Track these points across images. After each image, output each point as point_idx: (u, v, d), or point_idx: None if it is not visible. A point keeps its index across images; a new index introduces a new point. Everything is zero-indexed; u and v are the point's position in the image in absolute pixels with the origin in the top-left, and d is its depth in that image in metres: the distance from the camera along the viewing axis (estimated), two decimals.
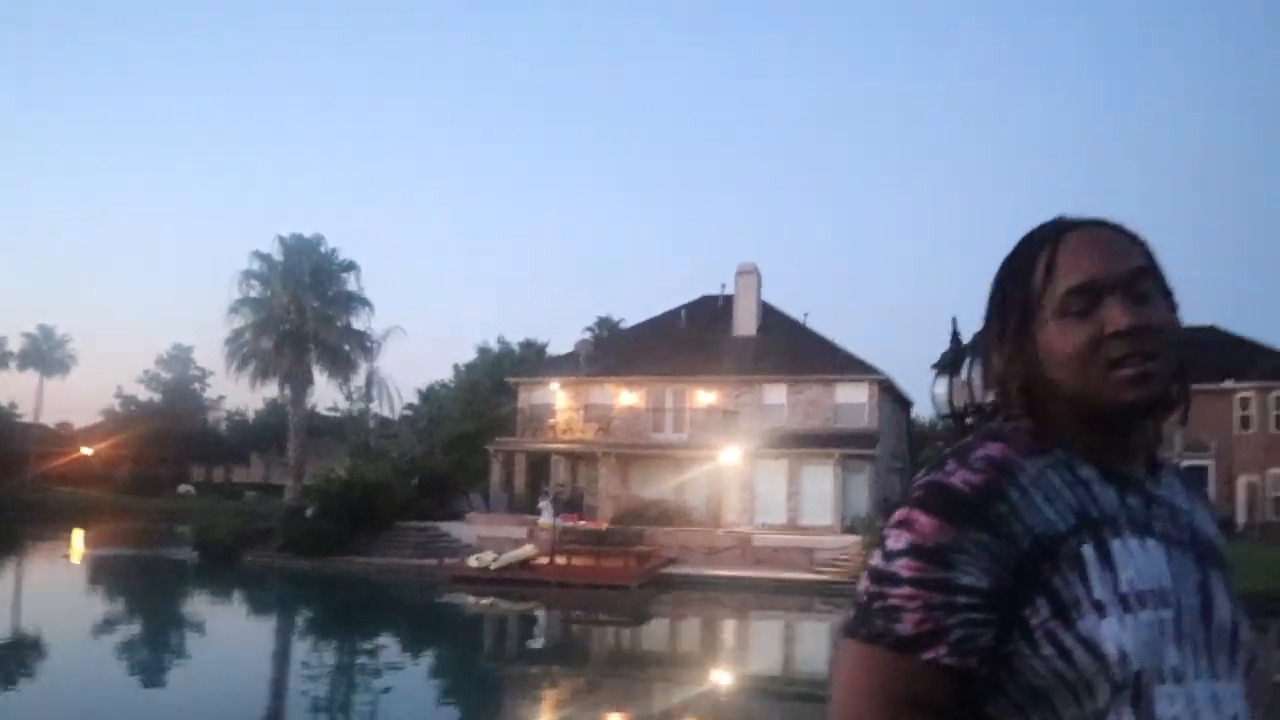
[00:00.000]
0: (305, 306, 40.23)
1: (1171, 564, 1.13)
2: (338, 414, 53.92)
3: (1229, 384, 35.68)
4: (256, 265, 41.02)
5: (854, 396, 35.34)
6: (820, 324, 41.58)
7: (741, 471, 34.27)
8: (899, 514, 1.11)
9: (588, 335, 51.48)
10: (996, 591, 1.05)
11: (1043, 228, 1.20)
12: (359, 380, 44.56)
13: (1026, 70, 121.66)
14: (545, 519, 30.92)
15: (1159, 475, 1.21)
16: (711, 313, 41.08)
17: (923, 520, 1.08)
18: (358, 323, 42.35)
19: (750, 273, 40.15)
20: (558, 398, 38.85)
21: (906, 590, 1.06)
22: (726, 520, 33.42)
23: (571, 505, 34.51)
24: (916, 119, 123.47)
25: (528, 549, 29.27)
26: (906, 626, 1.05)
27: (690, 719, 14.55)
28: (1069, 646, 1.04)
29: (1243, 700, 1.14)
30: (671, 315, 42.51)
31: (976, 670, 1.06)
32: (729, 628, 24.65)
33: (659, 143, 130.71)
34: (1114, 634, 1.04)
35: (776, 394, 36.42)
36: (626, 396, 38.05)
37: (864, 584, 1.10)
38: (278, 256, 41.10)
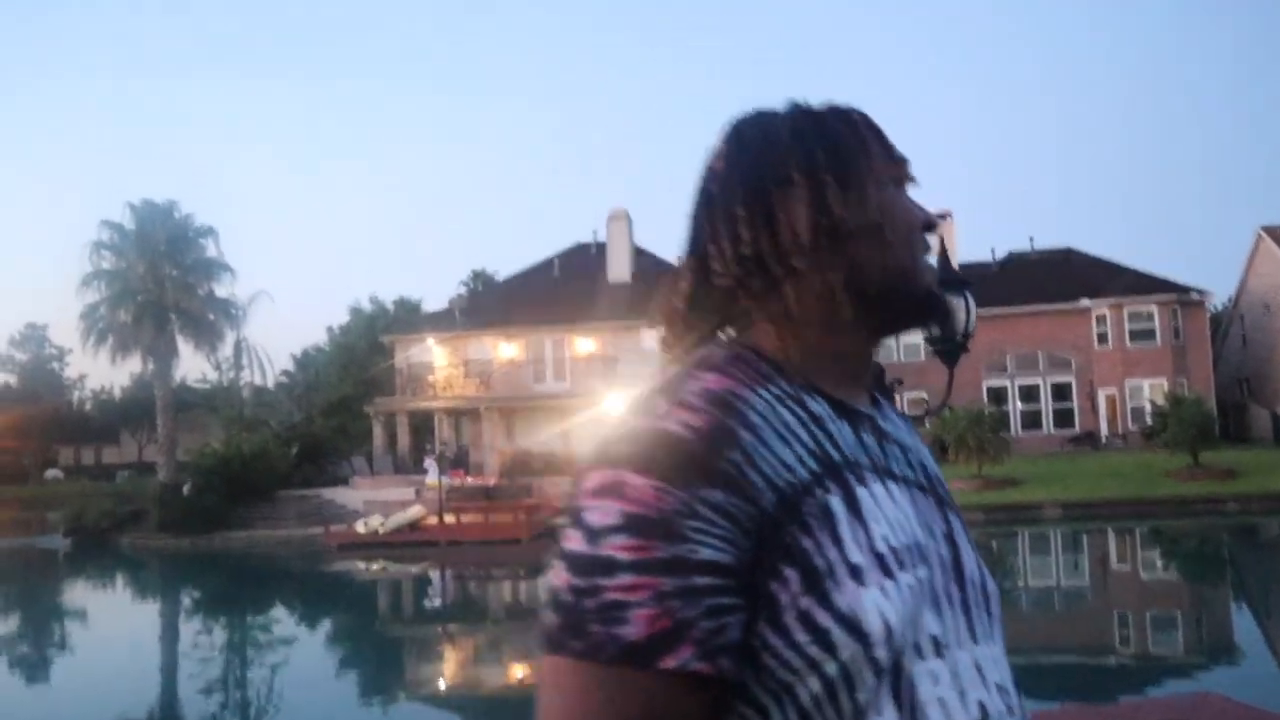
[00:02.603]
0: (163, 275, 38.63)
1: (918, 511, 0.95)
2: (208, 386, 52.32)
3: (1085, 302, 37.33)
4: (107, 235, 39.19)
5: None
6: None
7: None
8: (598, 477, 0.85)
9: (462, 289, 50.99)
10: (741, 567, 0.83)
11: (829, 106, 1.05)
12: (227, 350, 43.28)
13: None
14: (431, 478, 30.66)
15: (880, 407, 1.05)
16: (585, 260, 41.06)
17: (636, 482, 0.83)
18: (221, 290, 40.85)
19: (621, 218, 40.16)
20: (435, 354, 38.42)
21: (628, 579, 0.81)
22: None
23: (457, 462, 34.33)
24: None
25: (416, 510, 29.03)
26: (635, 629, 0.80)
27: None
28: (825, 627, 0.83)
29: (1005, 663, 0.98)
30: (545, 265, 42.34)
31: (730, 674, 0.83)
32: None
33: (518, 95, 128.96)
34: (876, 604, 0.84)
35: (655, 338, 36.66)
36: (505, 349, 37.87)
37: (561, 578, 0.84)
38: (129, 225, 39.32)
